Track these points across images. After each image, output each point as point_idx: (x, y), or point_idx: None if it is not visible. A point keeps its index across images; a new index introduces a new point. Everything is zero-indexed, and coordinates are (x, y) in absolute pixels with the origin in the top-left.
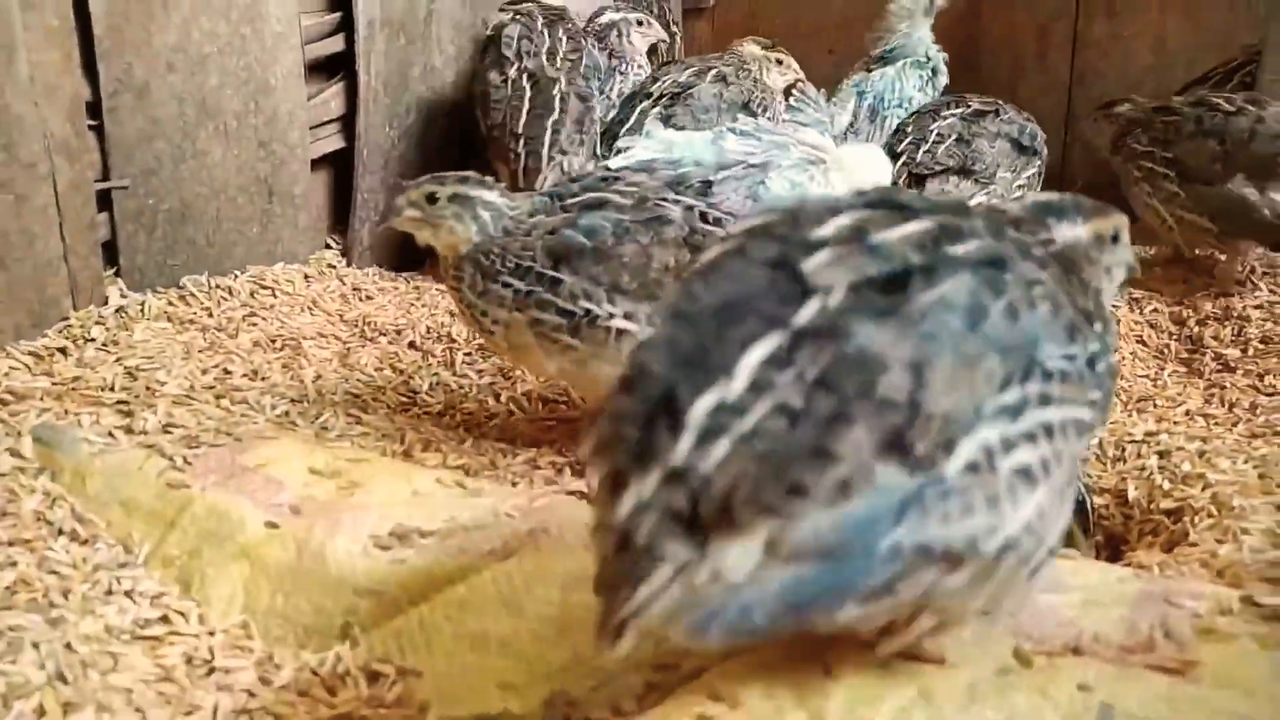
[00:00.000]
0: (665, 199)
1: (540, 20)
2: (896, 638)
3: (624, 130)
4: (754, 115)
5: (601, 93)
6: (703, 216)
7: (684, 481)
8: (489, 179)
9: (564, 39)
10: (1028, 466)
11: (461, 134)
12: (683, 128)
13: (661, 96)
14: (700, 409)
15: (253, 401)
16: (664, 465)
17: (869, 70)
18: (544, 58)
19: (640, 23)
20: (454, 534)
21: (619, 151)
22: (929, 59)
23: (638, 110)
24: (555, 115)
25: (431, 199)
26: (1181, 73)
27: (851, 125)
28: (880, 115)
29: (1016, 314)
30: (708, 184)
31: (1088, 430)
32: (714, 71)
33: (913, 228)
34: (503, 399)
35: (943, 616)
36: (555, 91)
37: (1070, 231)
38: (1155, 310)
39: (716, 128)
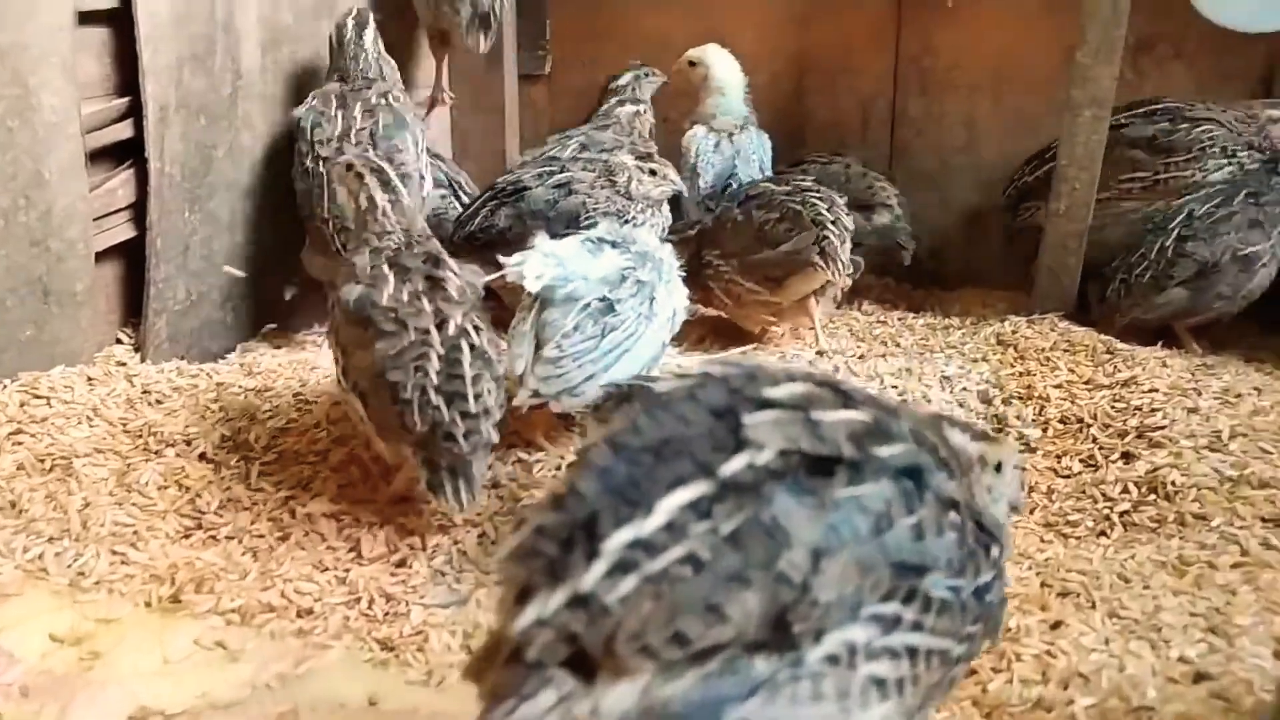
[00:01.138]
0: None
1: (335, 101)
2: None
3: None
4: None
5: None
6: None
7: (586, 608)
8: None
9: (359, 115)
10: (883, 679)
11: (279, 212)
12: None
13: (501, 190)
14: (617, 541)
15: (2, 545)
16: (572, 588)
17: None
18: (338, 140)
19: None
20: (200, 716)
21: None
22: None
23: (484, 206)
24: None
25: None
26: (994, 149)
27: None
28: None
29: (921, 535)
30: (610, 305)
31: (952, 664)
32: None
33: (852, 416)
34: (298, 514)
35: None
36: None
37: (961, 443)
38: (965, 390)
39: (583, 237)
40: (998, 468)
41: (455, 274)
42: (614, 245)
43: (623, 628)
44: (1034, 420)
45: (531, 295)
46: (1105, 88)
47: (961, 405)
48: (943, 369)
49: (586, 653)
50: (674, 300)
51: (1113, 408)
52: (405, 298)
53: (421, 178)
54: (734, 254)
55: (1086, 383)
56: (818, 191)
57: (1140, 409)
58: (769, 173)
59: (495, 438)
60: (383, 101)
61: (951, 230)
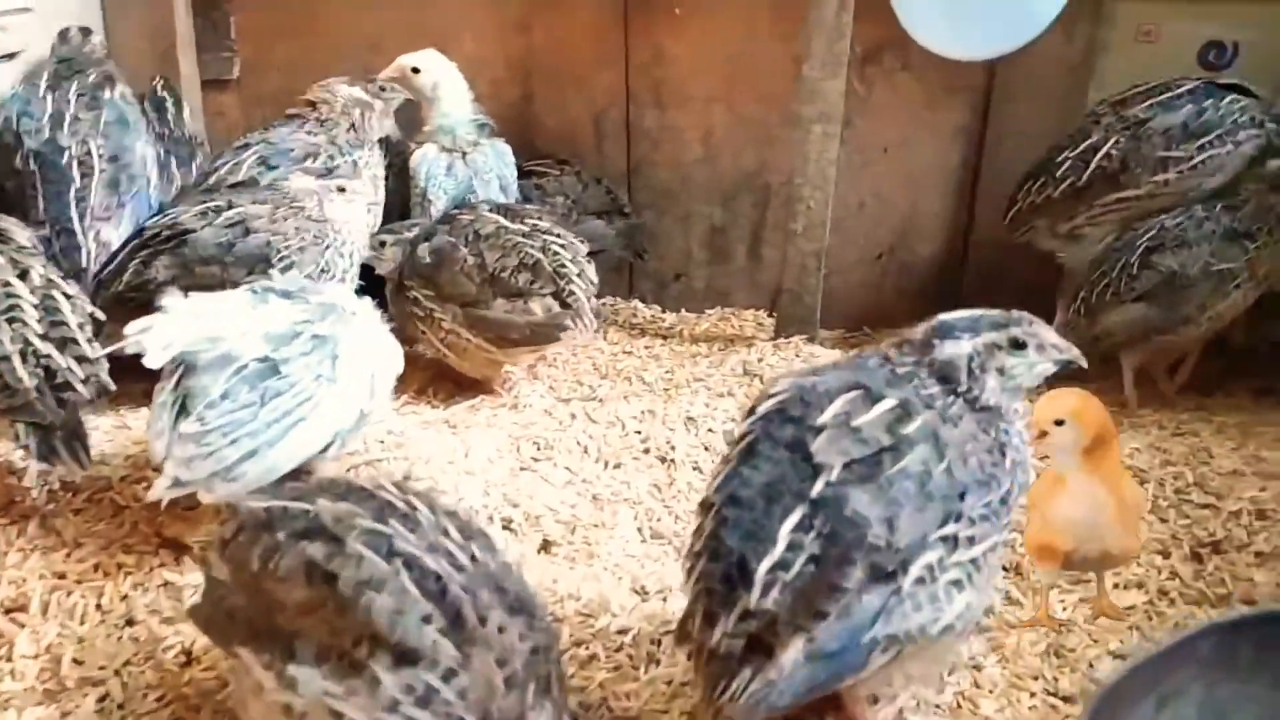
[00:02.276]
0: None
1: (44, 83)
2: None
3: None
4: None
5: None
6: None
7: (754, 617)
8: None
9: (74, 98)
10: (958, 579)
11: None
12: None
13: (156, 238)
14: (762, 570)
15: None
16: (742, 607)
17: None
18: (49, 129)
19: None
20: None
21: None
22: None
23: (133, 258)
24: (77, 185)
25: None
26: (732, 162)
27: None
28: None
29: (952, 473)
30: (274, 366)
31: (1000, 546)
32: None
33: (880, 410)
34: None
35: (910, 676)
36: (67, 159)
37: (954, 349)
38: (710, 430)
39: (250, 288)
40: (1016, 344)
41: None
42: (286, 296)
43: (780, 620)
44: None
45: (172, 361)
46: (834, 102)
47: (708, 449)
48: (687, 409)
49: (761, 639)
50: (374, 360)
51: None
52: None
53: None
54: (456, 300)
55: None
56: (559, 237)
57: None
58: (512, 190)
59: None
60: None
61: (695, 248)
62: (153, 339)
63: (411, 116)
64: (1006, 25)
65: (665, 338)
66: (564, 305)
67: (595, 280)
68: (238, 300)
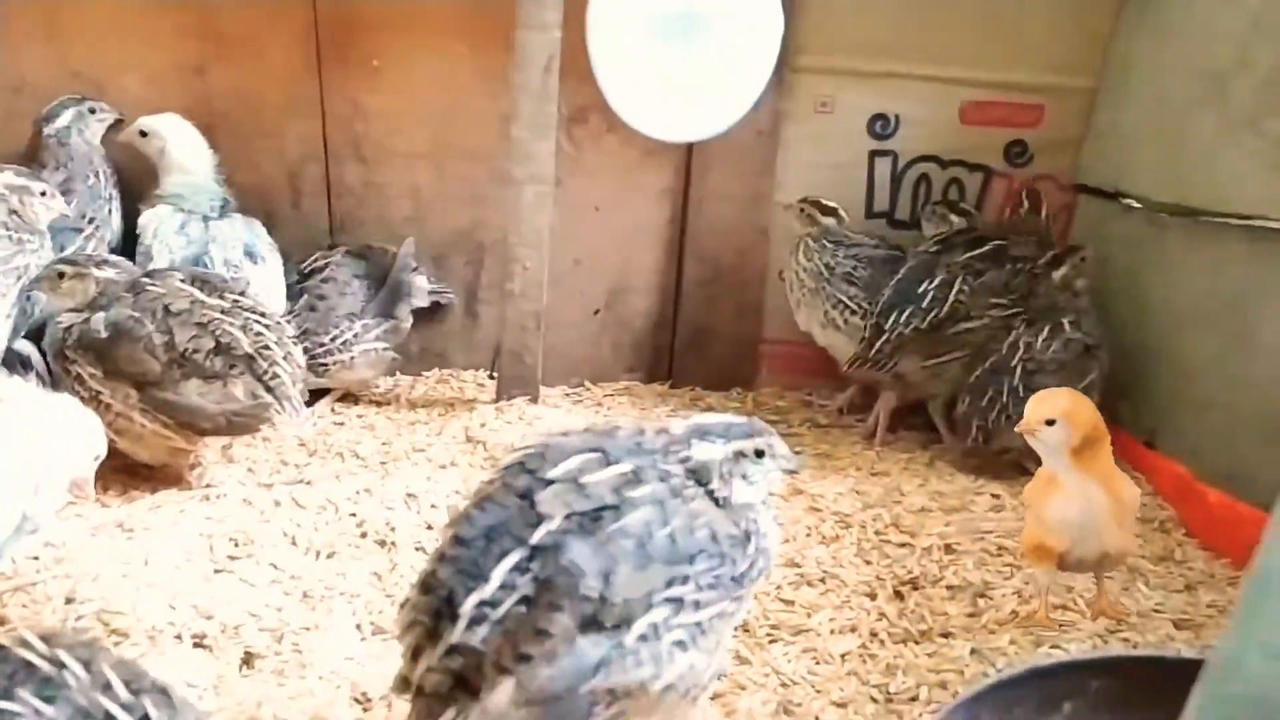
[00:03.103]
0: None
1: None
2: None
3: None
4: None
5: None
6: None
7: (460, 652)
8: None
9: None
10: (682, 640)
11: None
12: None
13: None
14: (469, 604)
15: None
16: (446, 643)
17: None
18: None
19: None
20: None
21: None
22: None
23: None
24: None
25: None
26: (439, 221)
27: None
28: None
29: (675, 540)
30: None
31: (733, 614)
32: None
33: (612, 473)
34: None
35: None
36: None
37: (708, 452)
38: (434, 506)
39: None
40: (758, 454)
41: None
42: None
43: (486, 659)
44: None
45: None
46: (545, 163)
47: (430, 527)
48: (407, 484)
49: (468, 679)
50: (33, 451)
51: None
52: None
53: None
54: (130, 381)
55: None
56: (262, 316)
57: None
58: (270, 259)
59: None
60: None
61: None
62: None
63: None
64: (709, 115)
65: (380, 404)
66: (267, 389)
67: (303, 364)
68: None
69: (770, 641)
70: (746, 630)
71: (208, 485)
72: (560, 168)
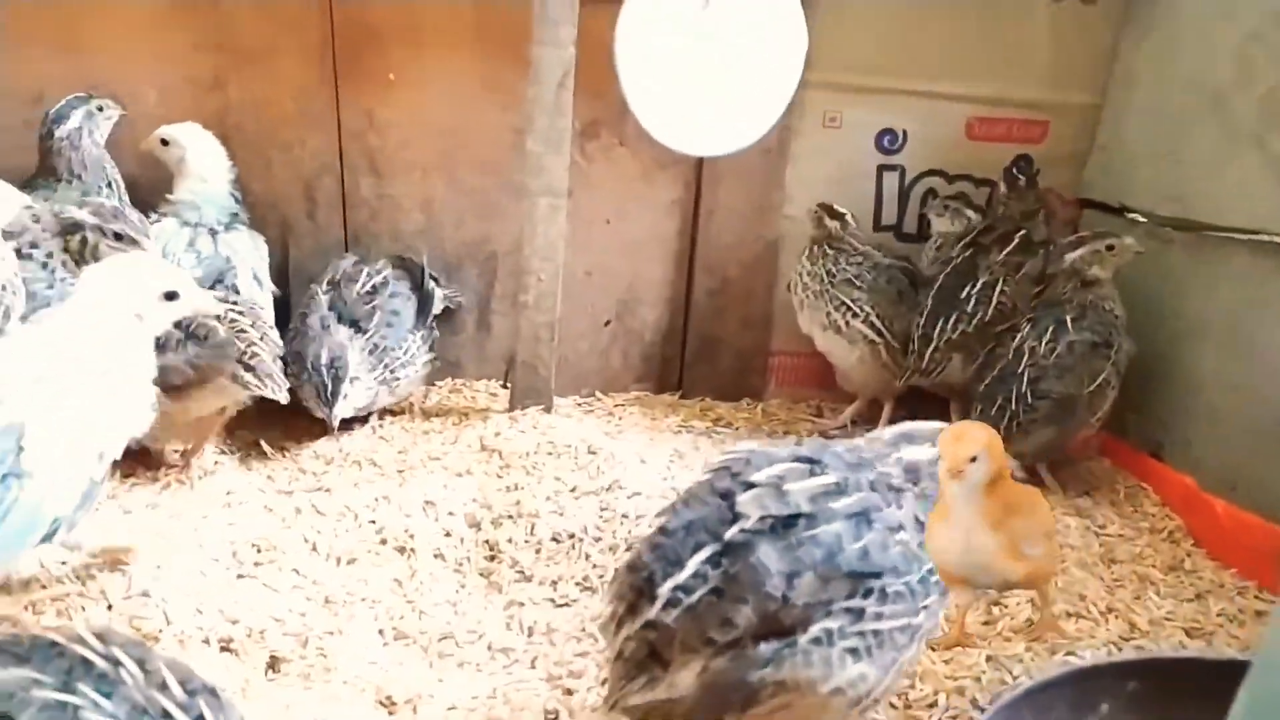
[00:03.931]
0: None
1: None
2: None
3: None
4: None
5: None
6: None
7: (654, 628)
8: None
9: None
10: (856, 648)
11: None
12: None
13: None
14: (666, 586)
15: None
16: (644, 617)
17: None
18: None
19: None
20: None
21: None
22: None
23: None
24: None
25: None
26: (451, 232)
27: None
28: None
29: (866, 555)
30: None
31: (916, 629)
32: None
33: (815, 483)
34: None
35: None
36: None
37: (916, 454)
38: (451, 514)
39: None
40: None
41: None
42: None
43: (676, 637)
44: (526, 542)
45: None
46: (558, 176)
47: (449, 534)
48: (425, 492)
49: (660, 653)
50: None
51: (601, 518)
52: None
53: None
54: None
55: (573, 490)
56: (236, 303)
57: (628, 516)
58: (266, 284)
59: None
60: None
61: None
62: None
63: None
64: (734, 130)
65: (395, 414)
66: (248, 369)
67: (280, 345)
68: None
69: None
70: None
71: (229, 494)
72: (571, 180)
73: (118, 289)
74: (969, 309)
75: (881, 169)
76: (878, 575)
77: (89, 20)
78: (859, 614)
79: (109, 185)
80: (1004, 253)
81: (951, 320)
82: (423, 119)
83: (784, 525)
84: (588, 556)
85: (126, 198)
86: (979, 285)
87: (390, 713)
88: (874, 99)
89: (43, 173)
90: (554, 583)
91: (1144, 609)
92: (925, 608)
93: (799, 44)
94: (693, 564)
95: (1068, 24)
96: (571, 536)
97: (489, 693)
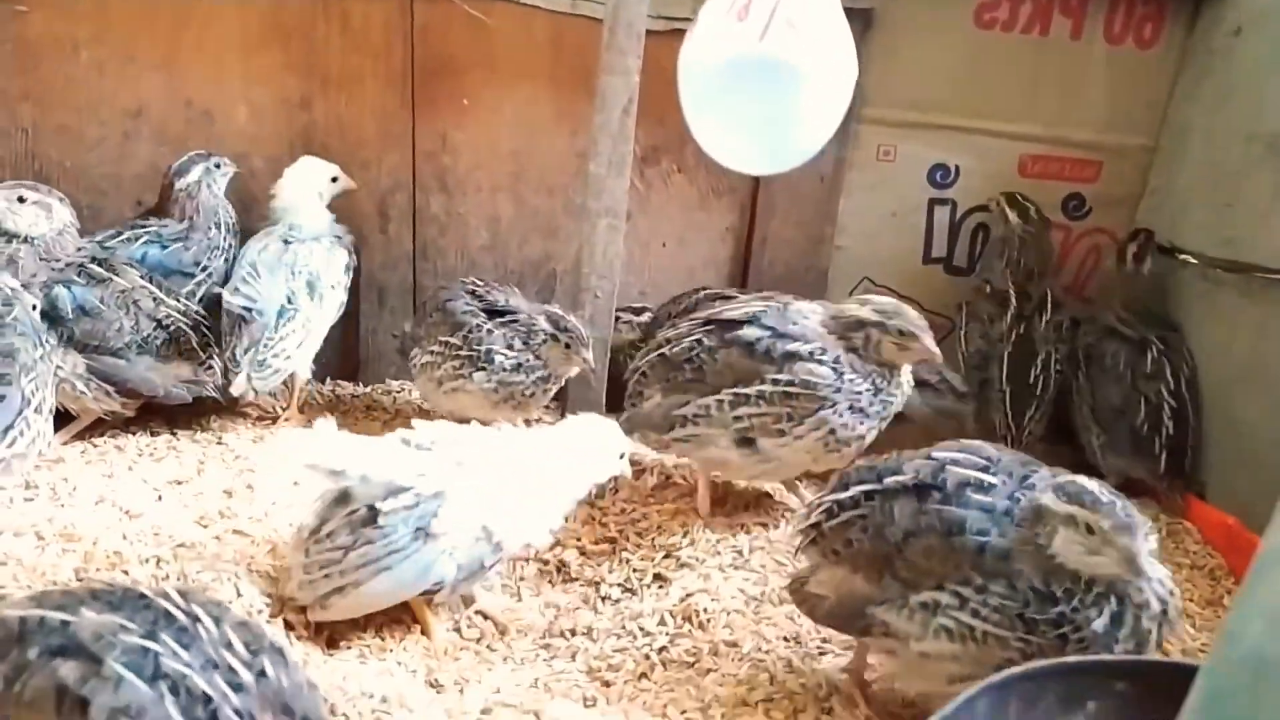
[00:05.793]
0: None
1: None
2: None
3: None
4: None
5: None
6: None
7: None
8: None
9: None
10: (950, 628)
11: None
12: None
13: None
14: (851, 491)
15: None
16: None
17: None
18: None
19: None
20: None
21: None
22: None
23: None
24: None
25: None
26: (517, 249)
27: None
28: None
29: (984, 552)
30: (374, 513)
31: (1007, 643)
32: None
33: (968, 472)
34: None
35: None
36: None
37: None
38: None
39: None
40: (1088, 529)
41: None
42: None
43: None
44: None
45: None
46: (619, 198)
47: None
48: None
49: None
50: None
51: (637, 528)
52: None
53: None
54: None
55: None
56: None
57: (662, 528)
58: (322, 294)
59: None
60: None
61: None
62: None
63: None
64: (785, 151)
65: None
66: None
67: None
68: (387, 450)
69: (820, 654)
70: (798, 642)
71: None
72: (630, 205)
73: (604, 452)
74: (1038, 392)
75: (933, 202)
76: (993, 577)
77: (187, 40)
78: (962, 601)
79: (216, 227)
80: (1044, 323)
81: (1033, 410)
82: (493, 142)
83: (922, 489)
84: (627, 561)
85: (234, 239)
86: (1039, 368)
87: (439, 692)
88: (928, 134)
89: (159, 212)
90: (596, 583)
91: (1178, 640)
92: (1023, 639)
93: (850, 71)
94: (855, 489)
95: (1123, 72)
96: (611, 542)
97: (530, 682)
